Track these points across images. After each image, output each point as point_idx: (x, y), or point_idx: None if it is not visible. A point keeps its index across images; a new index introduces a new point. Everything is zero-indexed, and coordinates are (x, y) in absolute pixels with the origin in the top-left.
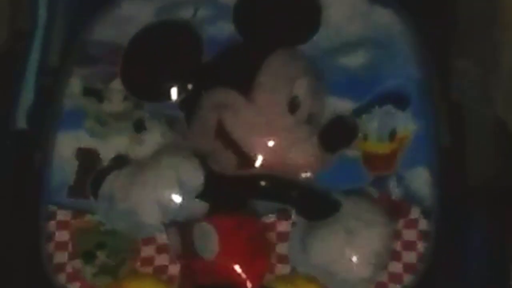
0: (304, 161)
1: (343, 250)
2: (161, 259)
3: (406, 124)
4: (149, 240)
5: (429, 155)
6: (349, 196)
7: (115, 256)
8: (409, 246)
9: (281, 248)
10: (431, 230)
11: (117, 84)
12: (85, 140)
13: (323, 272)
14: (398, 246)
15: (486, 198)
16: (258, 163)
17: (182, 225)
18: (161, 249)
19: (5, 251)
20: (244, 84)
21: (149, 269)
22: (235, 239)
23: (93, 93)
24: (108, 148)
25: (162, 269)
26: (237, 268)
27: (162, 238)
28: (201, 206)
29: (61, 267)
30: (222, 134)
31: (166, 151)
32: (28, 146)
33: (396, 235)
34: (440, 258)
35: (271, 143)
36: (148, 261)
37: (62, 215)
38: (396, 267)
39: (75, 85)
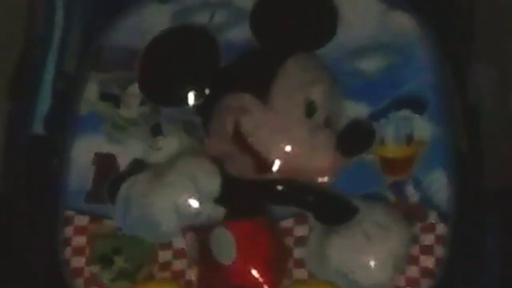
0: (321, 165)
1: (361, 254)
2: (179, 264)
3: (423, 129)
4: (167, 245)
5: (446, 159)
6: (366, 200)
7: (132, 261)
8: (426, 250)
9: (299, 253)
10: (448, 234)
11: (134, 89)
12: (102, 145)
13: (341, 277)
14: (415, 250)
15: (504, 202)
16: (275, 167)
17: (199, 230)
18: (178, 254)
19: (23, 257)
20: (261, 88)
21: (166, 274)
22: (252, 244)
23: (110, 98)
24: (125, 153)
25: (179, 274)
26: (255, 273)
27: (180, 243)
28: (218, 211)
29: (78, 272)
30: (239, 139)
31: (183, 156)
32: (45, 151)
33: (414, 239)
34: (457, 263)
35: (288, 148)
36: (166, 266)
37: (80, 220)
38: (413, 271)
39: (92, 90)
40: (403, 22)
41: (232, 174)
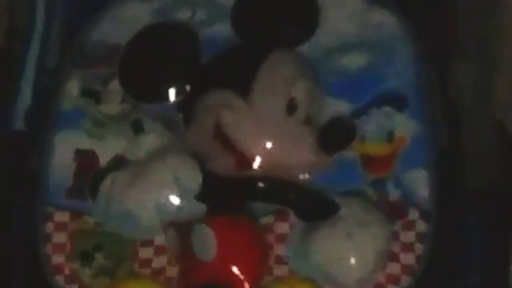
0: (302, 162)
1: (341, 251)
2: (159, 261)
3: (404, 126)
4: (147, 242)
5: (427, 156)
6: (347, 197)
7: (113, 258)
8: (407, 247)
9: (279, 250)
10: (429, 231)
11: (115, 85)
12: (83, 141)
13: (321, 274)
14: (396, 247)
15: (484, 199)
16: (256, 164)
17: (180, 227)
18: (159, 251)
19: (3, 253)
20: (242, 85)
21: (147, 271)
22: (233, 240)
23: (91, 94)
24: (106, 150)
25: (160, 271)
26: (235, 269)
27: (160, 239)
28: (199, 208)
29: (59, 269)
30: (220, 136)
31: (164, 153)
32: (26, 147)
33: (394, 236)
34: (437, 260)
35: (269, 145)
36: (146, 262)
37: (60, 216)
38: (393, 268)
39: (73, 86)
40: (385, 19)
41: (213, 170)
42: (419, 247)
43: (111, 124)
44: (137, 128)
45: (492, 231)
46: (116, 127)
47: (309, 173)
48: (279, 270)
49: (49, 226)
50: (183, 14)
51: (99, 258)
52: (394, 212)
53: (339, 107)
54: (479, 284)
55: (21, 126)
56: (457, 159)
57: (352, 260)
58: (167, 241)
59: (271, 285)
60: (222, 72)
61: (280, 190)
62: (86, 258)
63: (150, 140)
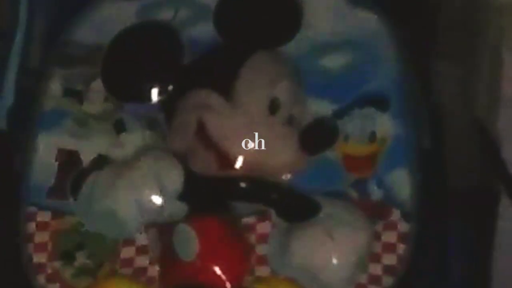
0: (284, 162)
1: (323, 251)
2: (141, 261)
3: (386, 126)
4: (129, 242)
5: (409, 157)
6: (329, 198)
7: (94, 257)
8: (388, 248)
9: (261, 250)
10: (411, 232)
11: (97, 85)
12: (65, 141)
13: (303, 274)
14: (378, 248)
15: (466, 200)
16: (238, 164)
17: (161, 227)
18: (140, 251)
19: None
20: (225, 85)
21: (128, 271)
22: (214, 240)
23: (73, 94)
24: (88, 149)
25: (141, 271)
26: (217, 270)
27: (142, 239)
28: (181, 208)
29: (40, 268)
30: (203, 135)
31: (146, 152)
32: (8, 147)
33: (376, 237)
34: (419, 260)
35: (251, 145)
36: (128, 262)
37: (42, 216)
38: (375, 269)
39: (55, 86)
40: (367, 20)
41: (195, 170)
42: (401, 248)
43: (93, 124)
44: (119, 128)
45: (474, 231)
46: (98, 126)
47: (291, 173)
48: (261, 270)
49: (31, 226)
50: (166, 14)
51: (81, 258)
52: (376, 212)
53: (321, 107)
54: (461, 285)
55: (3, 126)
56: (439, 160)
57: (334, 261)
58: (149, 241)
59: (252, 285)
60: (204, 72)
61: (262, 190)
62: (67, 257)
63: (132, 140)
